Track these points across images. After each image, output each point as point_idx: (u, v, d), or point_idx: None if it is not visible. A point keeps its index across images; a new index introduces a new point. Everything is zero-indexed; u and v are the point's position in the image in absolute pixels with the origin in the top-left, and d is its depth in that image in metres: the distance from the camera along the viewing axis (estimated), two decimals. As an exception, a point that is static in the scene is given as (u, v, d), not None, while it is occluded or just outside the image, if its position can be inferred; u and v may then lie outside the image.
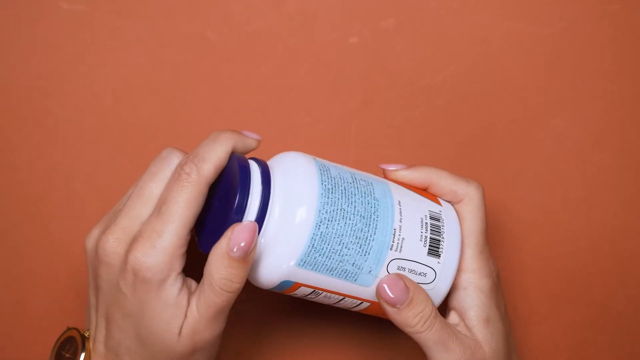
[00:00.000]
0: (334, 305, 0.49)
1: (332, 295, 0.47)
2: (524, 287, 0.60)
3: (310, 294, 0.47)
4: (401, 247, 0.47)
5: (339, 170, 0.47)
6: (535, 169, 0.60)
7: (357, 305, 0.48)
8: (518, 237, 0.61)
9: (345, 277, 0.46)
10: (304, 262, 0.45)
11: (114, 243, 0.45)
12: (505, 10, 0.59)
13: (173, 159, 0.46)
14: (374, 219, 0.46)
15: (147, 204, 0.46)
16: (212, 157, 0.45)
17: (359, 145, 0.60)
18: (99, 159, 0.59)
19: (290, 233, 0.45)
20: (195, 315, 0.45)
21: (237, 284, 0.44)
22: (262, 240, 0.45)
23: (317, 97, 0.60)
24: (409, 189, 0.50)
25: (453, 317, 0.50)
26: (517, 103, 0.60)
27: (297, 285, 0.46)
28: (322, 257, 0.45)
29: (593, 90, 0.60)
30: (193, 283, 0.47)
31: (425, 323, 0.47)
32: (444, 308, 0.52)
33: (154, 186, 0.46)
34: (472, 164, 0.60)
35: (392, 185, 0.49)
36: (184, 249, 0.45)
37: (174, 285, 0.45)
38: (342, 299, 0.48)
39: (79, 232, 0.58)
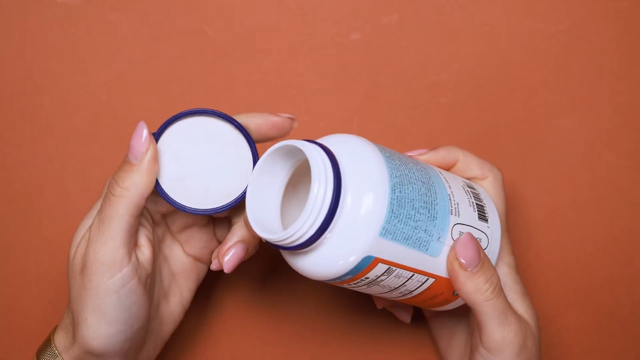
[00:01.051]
0: (395, 290, 0.48)
1: (404, 272, 0.46)
2: (529, 291, 0.59)
3: (383, 274, 0.46)
4: (459, 211, 0.48)
5: (411, 179, 0.47)
6: (542, 169, 0.60)
7: (421, 285, 0.48)
8: (524, 239, 0.60)
9: (419, 246, 0.46)
10: (386, 231, 0.44)
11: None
12: (513, 6, 0.60)
13: None
14: (432, 185, 0.47)
15: None
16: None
17: None
18: (92, 157, 0.59)
19: (370, 204, 0.44)
20: (93, 226, 0.46)
21: (119, 187, 0.45)
22: (339, 226, 0.44)
23: (318, 94, 0.60)
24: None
25: None
26: (523, 102, 0.60)
27: (376, 262, 0.45)
28: (400, 224, 0.44)
29: (602, 89, 0.60)
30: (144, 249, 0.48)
31: (495, 289, 0.47)
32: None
33: None
34: None
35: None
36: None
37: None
38: (410, 278, 0.47)
39: (71, 230, 0.55)
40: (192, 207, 0.48)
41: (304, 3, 0.59)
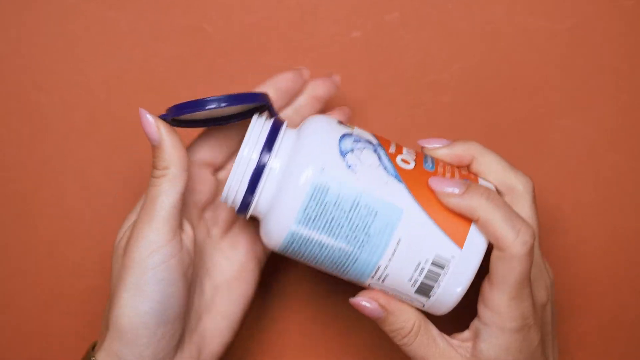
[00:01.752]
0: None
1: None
2: None
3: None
4: (383, 279, 0.47)
5: (342, 191, 0.46)
6: (545, 170, 0.60)
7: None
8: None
9: (337, 260, 0.47)
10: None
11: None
12: (516, 5, 0.59)
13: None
14: (354, 253, 0.46)
15: None
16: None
17: None
18: (90, 156, 0.59)
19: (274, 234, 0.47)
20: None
21: (158, 170, 0.47)
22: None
23: None
24: (434, 218, 0.46)
25: (469, 344, 0.48)
26: (526, 101, 0.60)
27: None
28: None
29: (606, 88, 0.60)
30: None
31: (403, 339, 0.48)
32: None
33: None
34: None
35: (409, 210, 0.46)
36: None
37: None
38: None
39: (69, 231, 0.59)
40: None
41: (303, 1, 0.59)
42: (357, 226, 0.45)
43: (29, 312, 0.59)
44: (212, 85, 0.59)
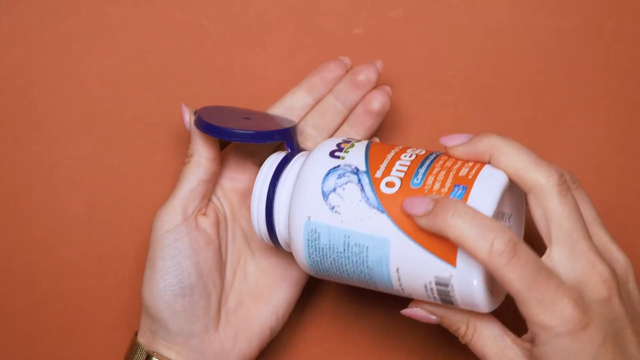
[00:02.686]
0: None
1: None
2: None
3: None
4: (410, 295, 0.48)
5: (330, 235, 0.47)
6: None
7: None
8: (531, 245, 0.58)
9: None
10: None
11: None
12: (521, 2, 0.59)
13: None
14: (371, 282, 0.48)
15: None
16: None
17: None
18: (84, 154, 0.59)
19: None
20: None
21: (187, 157, 0.52)
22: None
23: None
24: (420, 242, 0.46)
25: (528, 345, 0.47)
26: (532, 101, 0.59)
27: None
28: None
29: (614, 88, 0.60)
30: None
31: (463, 338, 0.49)
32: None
33: None
34: None
35: (395, 240, 0.46)
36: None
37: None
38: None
39: (62, 231, 0.59)
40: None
41: (305, -4, 0.59)
42: (356, 263, 0.47)
43: (24, 313, 0.59)
44: (211, 83, 0.59)
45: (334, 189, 0.47)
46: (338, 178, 0.48)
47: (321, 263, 0.48)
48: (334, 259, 0.48)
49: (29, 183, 0.59)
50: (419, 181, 0.47)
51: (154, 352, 0.52)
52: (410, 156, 0.48)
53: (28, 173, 0.59)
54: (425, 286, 0.46)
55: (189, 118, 0.53)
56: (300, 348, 0.59)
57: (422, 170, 0.47)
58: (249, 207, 0.54)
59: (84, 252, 0.59)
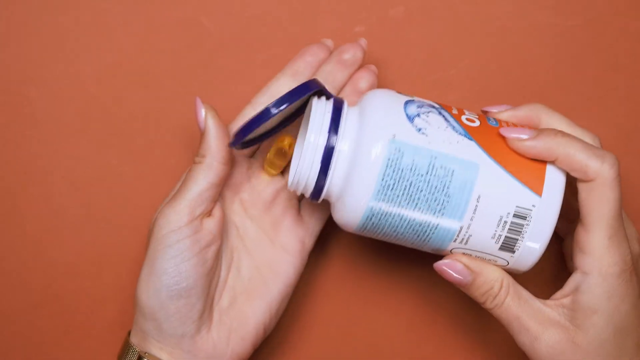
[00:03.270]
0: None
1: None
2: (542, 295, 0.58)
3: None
4: (466, 241, 0.49)
5: (416, 155, 0.47)
6: None
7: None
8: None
9: (414, 231, 0.49)
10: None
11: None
12: (525, 0, 0.59)
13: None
14: (435, 217, 0.48)
15: None
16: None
17: None
18: (81, 153, 0.59)
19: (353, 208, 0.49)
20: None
21: (197, 157, 0.51)
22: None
23: None
24: (509, 170, 0.48)
25: (567, 300, 0.50)
26: (537, 100, 0.58)
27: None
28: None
29: (619, 88, 0.60)
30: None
31: (494, 300, 0.49)
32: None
33: None
34: None
35: (484, 165, 0.48)
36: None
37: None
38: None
39: (58, 231, 0.59)
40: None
41: (305, -7, 0.59)
42: (435, 188, 0.47)
43: (18, 314, 0.59)
44: (209, 81, 0.59)
45: (418, 114, 0.48)
46: (418, 107, 0.49)
47: (392, 190, 0.47)
48: (410, 182, 0.47)
49: (24, 182, 0.59)
50: (494, 123, 0.50)
51: (145, 352, 0.51)
52: (470, 111, 0.51)
53: (23, 171, 0.59)
54: (500, 219, 0.47)
55: (204, 115, 0.51)
56: (296, 346, 0.59)
57: (492, 119, 0.50)
58: (255, 189, 0.54)
59: (79, 252, 0.59)
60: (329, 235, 0.58)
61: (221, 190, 0.53)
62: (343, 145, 0.48)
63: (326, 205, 0.54)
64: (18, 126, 0.59)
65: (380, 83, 0.59)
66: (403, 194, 0.47)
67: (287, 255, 0.54)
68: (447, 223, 0.48)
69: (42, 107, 0.59)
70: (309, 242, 0.55)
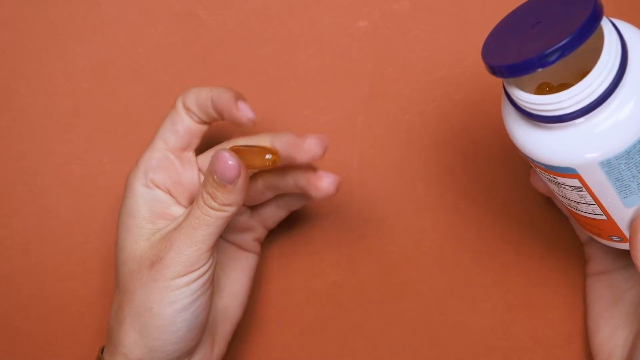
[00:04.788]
0: (566, 199, 0.50)
1: (588, 198, 0.48)
2: (547, 306, 0.59)
3: (571, 186, 0.48)
4: None
5: None
6: None
7: (592, 214, 0.50)
8: (540, 250, 0.60)
9: (621, 191, 0.47)
10: (607, 163, 0.46)
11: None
12: None
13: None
14: None
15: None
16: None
17: (365, 143, 0.59)
18: (71, 149, 0.59)
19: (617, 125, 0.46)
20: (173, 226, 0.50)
21: (218, 204, 0.49)
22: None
23: (319, 86, 0.60)
24: None
25: None
26: None
27: (575, 176, 0.47)
28: (624, 167, 0.46)
29: None
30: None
31: None
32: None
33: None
34: (494, 167, 0.60)
35: None
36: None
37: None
38: (588, 204, 0.49)
39: (46, 231, 0.59)
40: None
41: (306, -14, 0.60)
42: None
43: (4, 317, 0.59)
44: (206, 77, 0.59)
45: None
46: None
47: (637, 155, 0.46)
48: None
49: (11, 180, 0.59)
50: None
51: None
52: None
53: (10, 169, 0.59)
54: None
55: (238, 168, 0.49)
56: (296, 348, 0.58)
57: None
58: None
59: (69, 253, 0.59)
60: (329, 238, 0.58)
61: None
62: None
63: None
64: (6, 121, 0.59)
65: (383, 80, 0.59)
66: None
67: (244, 243, 0.56)
68: None
69: (31, 102, 0.59)
70: (261, 226, 0.56)
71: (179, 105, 0.52)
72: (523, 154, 0.48)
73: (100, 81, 0.59)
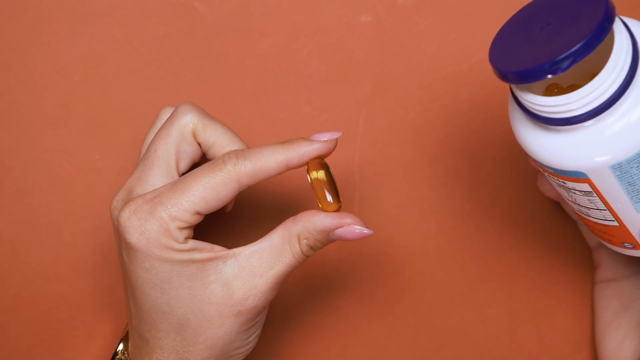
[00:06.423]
0: (576, 204, 0.49)
1: (599, 204, 0.48)
2: (553, 313, 0.59)
3: (581, 191, 0.48)
4: None
5: None
6: None
7: (603, 220, 0.49)
8: (547, 255, 0.60)
9: (633, 196, 0.47)
10: (618, 167, 0.45)
11: (115, 204, 0.50)
12: None
13: (166, 113, 0.53)
14: None
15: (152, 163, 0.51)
16: (256, 159, 0.48)
17: (367, 142, 0.59)
18: (61, 145, 0.59)
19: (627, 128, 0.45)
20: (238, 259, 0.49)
21: (299, 255, 0.49)
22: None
23: (321, 83, 0.60)
24: None
25: None
26: None
27: (585, 181, 0.46)
28: (636, 170, 0.45)
29: None
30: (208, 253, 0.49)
31: None
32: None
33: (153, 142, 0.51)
34: (501, 169, 0.60)
35: None
36: (183, 225, 0.47)
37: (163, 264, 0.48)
38: (599, 209, 0.48)
39: (34, 230, 0.59)
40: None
41: (308, -22, 0.60)
42: None
43: None
44: (203, 71, 0.59)
45: None
46: None
47: None
48: None
49: (0, 175, 0.59)
50: None
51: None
52: None
53: None
54: None
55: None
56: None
57: None
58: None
59: (58, 252, 0.59)
60: (329, 245, 0.57)
61: None
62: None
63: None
64: (-6, 115, 0.59)
65: (386, 77, 0.59)
66: None
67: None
68: None
69: (21, 96, 0.59)
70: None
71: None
72: (531, 157, 0.48)
73: (92, 74, 0.59)
